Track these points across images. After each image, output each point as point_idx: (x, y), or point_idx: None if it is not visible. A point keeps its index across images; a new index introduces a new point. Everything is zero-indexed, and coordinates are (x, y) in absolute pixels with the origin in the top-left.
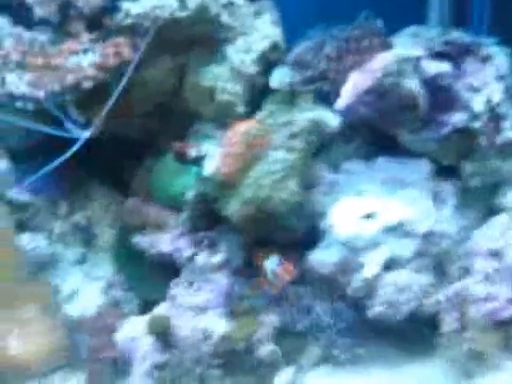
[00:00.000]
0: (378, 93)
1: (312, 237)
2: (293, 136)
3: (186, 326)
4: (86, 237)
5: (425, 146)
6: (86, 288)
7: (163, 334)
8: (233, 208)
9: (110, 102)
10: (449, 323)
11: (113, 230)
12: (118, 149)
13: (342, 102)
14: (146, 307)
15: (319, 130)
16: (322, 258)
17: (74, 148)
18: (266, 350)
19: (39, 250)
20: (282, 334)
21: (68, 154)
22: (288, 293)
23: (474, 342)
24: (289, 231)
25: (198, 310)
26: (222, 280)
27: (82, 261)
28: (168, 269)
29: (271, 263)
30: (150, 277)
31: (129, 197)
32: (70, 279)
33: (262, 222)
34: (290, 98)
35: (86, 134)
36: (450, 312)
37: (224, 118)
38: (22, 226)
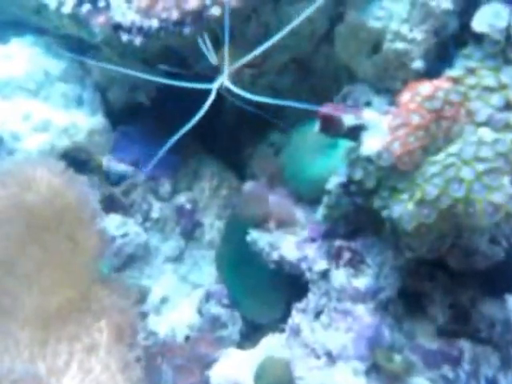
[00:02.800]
0: None
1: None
2: (509, 107)
3: (312, 381)
4: (188, 226)
5: None
6: (178, 297)
7: None
8: (403, 209)
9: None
10: None
11: (221, 221)
12: (237, 116)
13: None
14: (251, 333)
15: None
16: None
17: (206, 106)
18: None
19: (128, 238)
20: None
21: (198, 116)
22: (461, 351)
23: None
24: (472, 256)
25: (327, 358)
26: (366, 317)
27: (178, 258)
28: (289, 284)
29: None
30: (261, 291)
31: (245, 180)
32: (161, 282)
33: (440, 237)
34: (504, 50)
35: (219, 82)
36: None
37: (391, 78)
38: (112, 205)
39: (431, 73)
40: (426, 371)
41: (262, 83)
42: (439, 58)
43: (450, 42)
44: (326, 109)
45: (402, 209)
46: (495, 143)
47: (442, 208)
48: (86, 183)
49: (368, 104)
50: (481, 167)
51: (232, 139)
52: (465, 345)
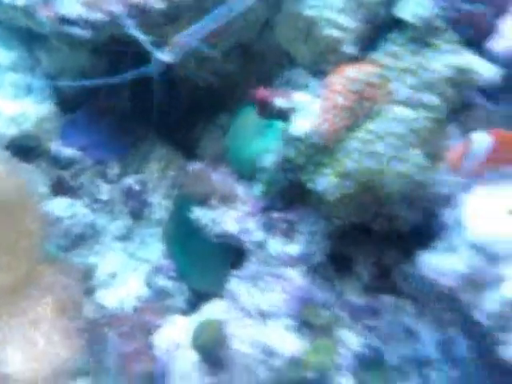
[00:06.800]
0: None
1: (426, 232)
2: (424, 87)
3: (246, 338)
4: (137, 206)
5: None
6: (126, 272)
7: (213, 348)
8: (327, 182)
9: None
10: None
11: (168, 201)
12: (186, 100)
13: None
14: (197, 302)
15: (465, 83)
16: (441, 264)
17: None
18: None
19: (76, 219)
20: (366, 364)
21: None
22: (383, 304)
23: None
24: (394, 220)
25: (262, 317)
26: (297, 279)
27: (126, 236)
28: (231, 255)
29: None
30: (206, 263)
31: (192, 160)
32: (109, 259)
33: (363, 205)
34: (424, 36)
35: (164, 56)
36: None
37: (325, 62)
38: (60, 188)
39: (362, 57)
40: (353, 324)
41: (208, 68)
42: (370, 44)
43: (380, 29)
44: (259, 92)
45: (325, 182)
46: (409, 120)
47: (361, 180)
48: (30, 170)
49: (306, 86)
50: (392, 143)
51: (182, 122)
52: (386, 298)
